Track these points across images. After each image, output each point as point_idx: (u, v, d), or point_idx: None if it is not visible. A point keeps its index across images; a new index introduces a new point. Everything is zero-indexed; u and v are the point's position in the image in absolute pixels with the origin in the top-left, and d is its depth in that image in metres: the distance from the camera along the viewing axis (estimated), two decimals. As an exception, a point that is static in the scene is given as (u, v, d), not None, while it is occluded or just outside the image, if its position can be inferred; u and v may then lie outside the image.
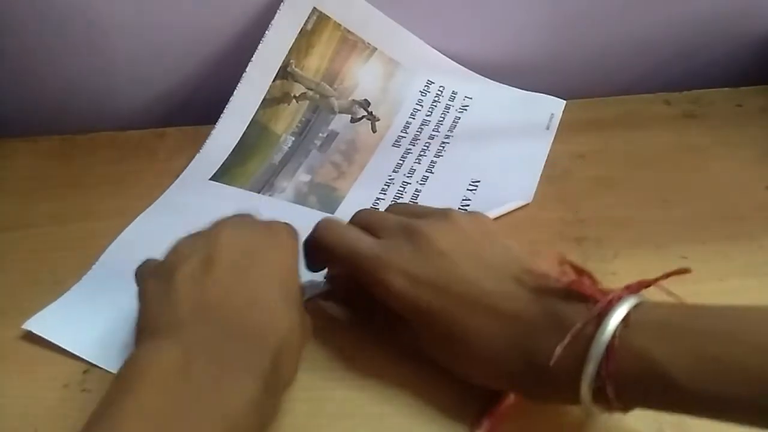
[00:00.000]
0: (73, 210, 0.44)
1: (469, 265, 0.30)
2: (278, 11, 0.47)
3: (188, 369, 0.25)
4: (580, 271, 0.28)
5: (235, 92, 0.47)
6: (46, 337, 0.35)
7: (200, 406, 0.24)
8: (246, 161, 0.47)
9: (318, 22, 0.48)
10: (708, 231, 0.40)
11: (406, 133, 0.49)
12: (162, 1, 0.47)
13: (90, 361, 0.35)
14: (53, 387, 0.34)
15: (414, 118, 0.50)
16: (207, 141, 0.48)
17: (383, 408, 0.32)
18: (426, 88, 0.51)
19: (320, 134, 0.49)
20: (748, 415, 0.24)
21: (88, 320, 0.36)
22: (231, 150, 0.47)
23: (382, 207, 0.44)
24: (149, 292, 0.30)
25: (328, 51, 0.49)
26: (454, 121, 0.49)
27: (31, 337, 0.36)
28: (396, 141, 0.48)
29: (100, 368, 0.34)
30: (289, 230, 0.33)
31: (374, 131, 0.49)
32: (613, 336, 0.25)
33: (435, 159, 0.47)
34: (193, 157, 0.47)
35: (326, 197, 0.45)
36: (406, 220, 0.32)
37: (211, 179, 0.46)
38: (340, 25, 0.49)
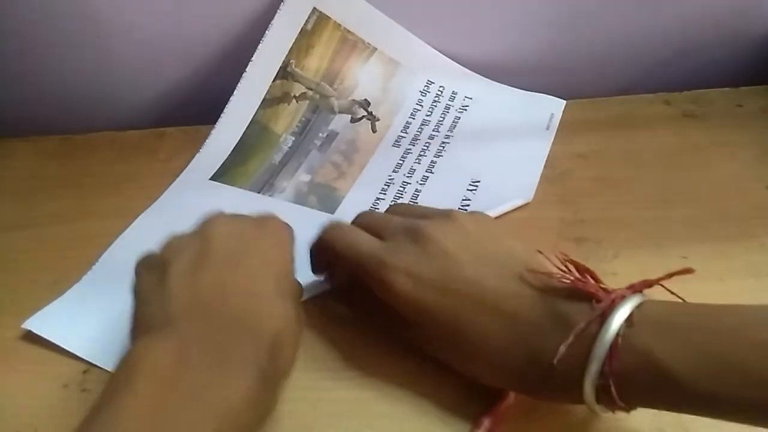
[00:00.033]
0: (73, 210, 0.44)
1: (472, 265, 0.30)
2: (278, 11, 0.47)
3: (184, 364, 0.25)
4: (583, 270, 0.28)
5: (235, 92, 0.47)
6: (46, 337, 0.36)
7: (197, 401, 0.24)
8: (246, 161, 0.47)
9: (318, 22, 0.48)
10: (708, 231, 0.40)
11: (406, 133, 0.49)
12: (162, 1, 0.47)
13: (90, 361, 0.35)
14: (53, 387, 0.34)
15: (414, 118, 0.50)
16: (207, 141, 0.48)
17: (384, 408, 0.32)
18: (426, 88, 0.51)
19: (320, 134, 0.49)
20: (750, 413, 0.24)
21: (88, 320, 0.36)
22: (231, 150, 0.47)
23: (382, 207, 0.44)
24: (143, 288, 0.30)
25: (328, 51, 0.49)
26: (454, 121, 0.49)
27: (31, 337, 0.36)
28: (396, 141, 0.48)
29: (100, 368, 0.34)
30: (281, 223, 0.33)
31: (374, 131, 0.49)
32: (617, 335, 0.25)
33: (435, 159, 0.47)
34: (193, 157, 0.47)
35: (326, 197, 0.45)
36: (410, 221, 0.32)
37: (211, 179, 0.46)
38: (340, 25, 0.49)
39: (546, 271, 0.29)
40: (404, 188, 0.45)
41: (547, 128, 0.48)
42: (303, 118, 0.49)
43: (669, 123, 0.48)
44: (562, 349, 0.26)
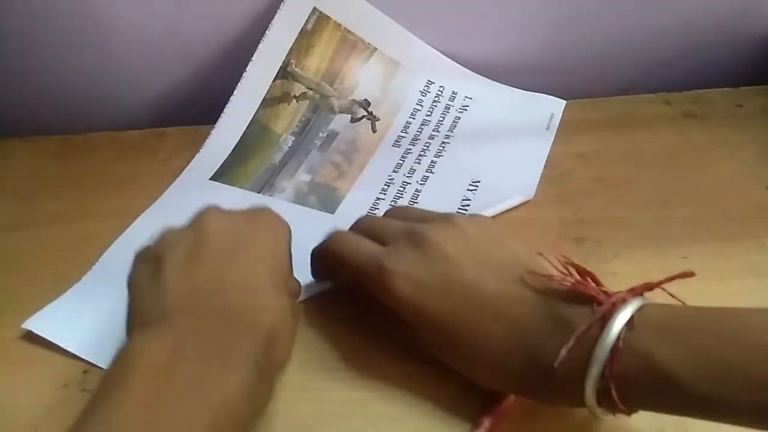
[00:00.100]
0: (73, 210, 0.44)
1: (473, 269, 0.30)
2: (278, 11, 0.47)
3: (179, 358, 0.25)
4: (584, 273, 0.28)
5: (235, 92, 0.47)
6: (45, 337, 0.36)
7: (192, 395, 0.24)
8: (246, 161, 0.47)
9: (318, 22, 0.48)
10: (708, 231, 0.40)
11: (406, 133, 0.49)
12: (162, 1, 0.47)
13: (90, 361, 0.35)
14: (53, 387, 0.34)
15: (414, 118, 0.50)
16: (207, 141, 0.48)
17: (384, 408, 0.32)
18: (426, 88, 0.51)
19: (320, 134, 0.49)
20: (751, 417, 0.24)
21: (88, 320, 0.36)
22: (231, 150, 0.47)
23: (383, 207, 0.44)
24: (138, 280, 0.30)
25: (328, 51, 0.49)
26: (454, 121, 0.49)
27: (31, 337, 0.36)
28: (396, 141, 0.48)
29: (100, 368, 0.34)
30: (275, 215, 0.33)
31: (374, 131, 0.49)
32: (618, 338, 0.25)
33: (435, 159, 0.47)
34: (193, 157, 0.47)
35: (326, 197, 0.45)
36: (410, 225, 0.33)
37: (211, 179, 0.46)
38: (340, 25, 0.49)
39: (546, 273, 0.29)
40: (404, 188, 0.45)
41: (547, 128, 0.48)
42: (303, 118, 0.49)
43: (669, 123, 0.48)
44: (563, 352, 0.26)
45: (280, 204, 0.45)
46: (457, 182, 0.44)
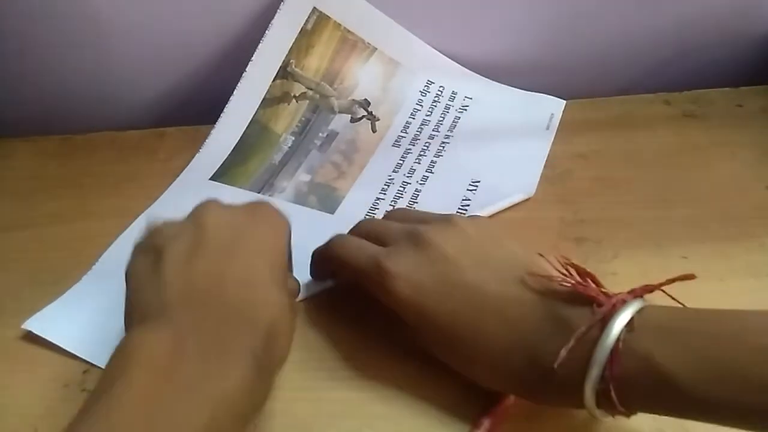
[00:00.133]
0: (73, 210, 0.44)
1: (473, 270, 0.30)
2: (278, 11, 0.47)
3: (179, 353, 0.25)
4: (584, 274, 0.28)
5: (235, 92, 0.47)
6: (46, 337, 0.36)
7: (192, 391, 0.24)
8: (246, 161, 0.47)
9: (318, 21, 0.48)
10: (708, 231, 0.40)
11: (406, 133, 0.49)
12: (162, 1, 0.47)
13: (90, 361, 0.35)
14: (53, 387, 0.34)
15: (414, 118, 0.50)
16: (207, 141, 0.48)
17: (384, 408, 0.32)
18: (426, 88, 0.51)
19: (320, 134, 0.49)
20: (750, 419, 0.24)
21: (89, 320, 0.36)
22: (231, 150, 0.47)
23: (383, 207, 0.44)
24: (137, 272, 0.30)
25: (328, 51, 0.49)
26: (454, 121, 0.49)
27: (31, 337, 0.36)
28: (396, 141, 0.48)
29: (100, 368, 0.34)
30: (274, 209, 0.33)
31: (374, 131, 0.49)
32: (618, 340, 0.25)
33: (435, 159, 0.47)
34: (193, 157, 0.47)
35: (326, 197, 0.45)
36: (410, 227, 0.33)
37: (211, 179, 0.46)
38: (340, 24, 0.49)
39: (547, 274, 0.29)
40: (404, 188, 0.45)
41: (547, 128, 0.48)
42: (303, 118, 0.49)
43: (669, 123, 0.48)
44: (563, 353, 0.26)
45: (279, 204, 0.44)
46: (457, 182, 0.44)
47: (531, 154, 0.46)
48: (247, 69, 0.47)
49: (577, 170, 0.45)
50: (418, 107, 0.50)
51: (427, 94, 0.51)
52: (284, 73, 0.48)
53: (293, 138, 0.49)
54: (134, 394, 0.23)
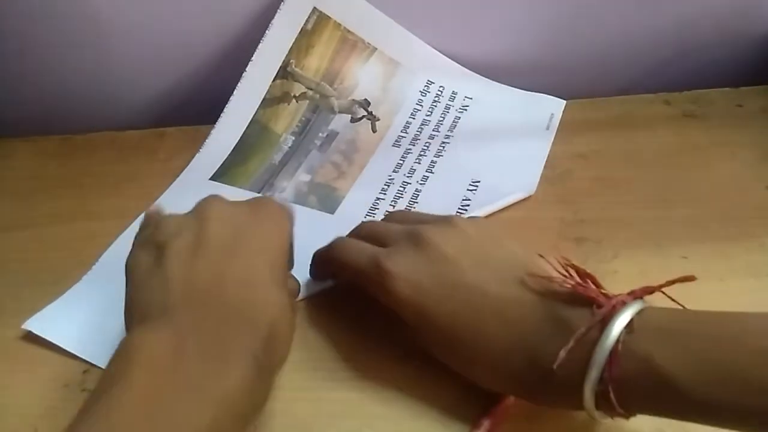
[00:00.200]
0: (73, 210, 0.44)
1: (473, 270, 0.30)
2: (278, 11, 0.47)
3: (180, 354, 0.25)
4: (584, 275, 0.28)
5: (235, 92, 0.47)
6: (46, 337, 0.36)
7: (193, 392, 0.24)
8: (246, 161, 0.47)
9: (318, 21, 0.48)
10: (708, 231, 0.40)
11: (406, 133, 0.49)
12: (162, 1, 0.47)
13: (90, 361, 0.35)
14: (53, 387, 0.34)
15: (414, 118, 0.50)
16: (207, 141, 0.48)
17: (384, 408, 0.32)
18: (426, 88, 0.51)
19: (320, 134, 0.49)
20: (750, 421, 0.24)
21: (88, 320, 0.36)
22: (231, 150, 0.47)
23: (382, 207, 0.44)
24: (138, 268, 0.30)
25: (328, 51, 0.49)
26: (454, 121, 0.49)
27: (32, 337, 0.36)
28: (396, 141, 0.48)
29: (100, 368, 0.34)
30: (278, 206, 0.33)
31: (374, 131, 0.49)
32: (617, 341, 0.25)
33: (435, 159, 0.47)
34: (193, 157, 0.47)
35: (326, 197, 0.45)
36: (410, 227, 0.33)
37: (211, 179, 0.46)
38: (340, 24, 0.49)
39: (547, 275, 0.29)
40: (404, 188, 0.45)
41: (547, 128, 0.48)
42: (303, 118, 0.49)
43: (669, 123, 0.48)
44: (562, 354, 0.26)
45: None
46: (457, 182, 0.44)
47: (531, 154, 0.46)
48: (247, 69, 0.47)
49: (577, 170, 0.45)
50: (418, 107, 0.50)
51: (427, 94, 0.51)
52: (284, 73, 0.48)
53: (293, 138, 0.49)
54: (135, 394, 0.23)
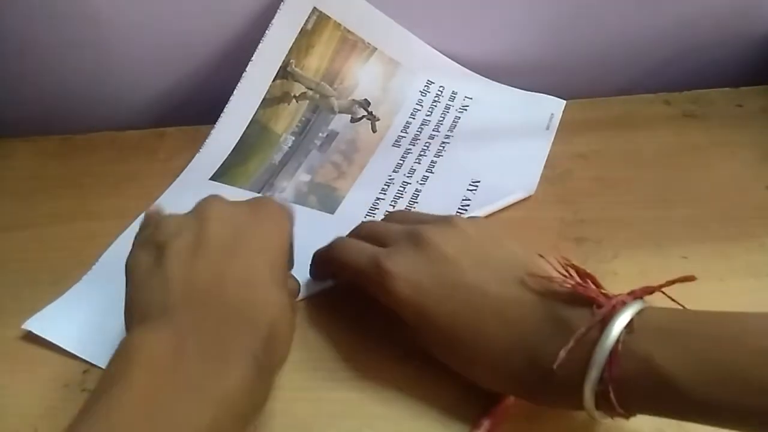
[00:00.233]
0: (73, 210, 0.44)
1: (473, 270, 0.30)
2: (278, 11, 0.47)
3: (179, 354, 0.25)
4: (584, 275, 0.28)
5: (235, 92, 0.47)
6: (46, 337, 0.36)
7: (193, 392, 0.24)
8: (246, 161, 0.47)
9: (318, 21, 0.48)
10: (708, 231, 0.40)
11: (406, 133, 0.49)
12: (162, 1, 0.47)
13: (90, 361, 0.35)
14: (53, 387, 0.34)
15: (414, 118, 0.50)
16: (207, 141, 0.48)
17: (383, 408, 0.32)
18: (426, 88, 0.51)
19: (320, 134, 0.49)
20: (750, 421, 0.24)
21: (88, 320, 0.36)
22: (231, 150, 0.47)
23: (383, 207, 0.44)
24: (138, 268, 0.30)
25: (328, 51, 0.49)
26: (454, 121, 0.49)
27: (32, 337, 0.36)
28: (396, 141, 0.48)
29: (100, 368, 0.34)
30: (278, 206, 0.33)
31: (374, 131, 0.49)
32: (617, 341, 0.25)
33: (435, 159, 0.47)
34: (193, 157, 0.47)
35: (326, 197, 0.45)
36: (410, 227, 0.33)
37: (211, 179, 0.46)
38: (340, 24, 0.49)
39: (547, 275, 0.29)
40: (404, 188, 0.45)
41: (547, 128, 0.48)
42: (303, 118, 0.49)
43: (669, 123, 0.48)
44: (562, 354, 0.26)
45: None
46: (457, 182, 0.44)
47: (531, 154, 0.46)
48: (247, 69, 0.47)
49: (577, 170, 0.45)
50: (418, 107, 0.50)
51: (427, 94, 0.51)
52: (284, 73, 0.48)
53: (293, 138, 0.49)
54: (135, 394, 0.23)
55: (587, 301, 0.27)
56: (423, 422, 0.31)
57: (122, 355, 0.25)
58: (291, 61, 0.48)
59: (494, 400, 0.31)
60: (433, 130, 0.49)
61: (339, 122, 0.49)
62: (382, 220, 0.39)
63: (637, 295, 0.27)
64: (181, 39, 0.49)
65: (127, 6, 0.47)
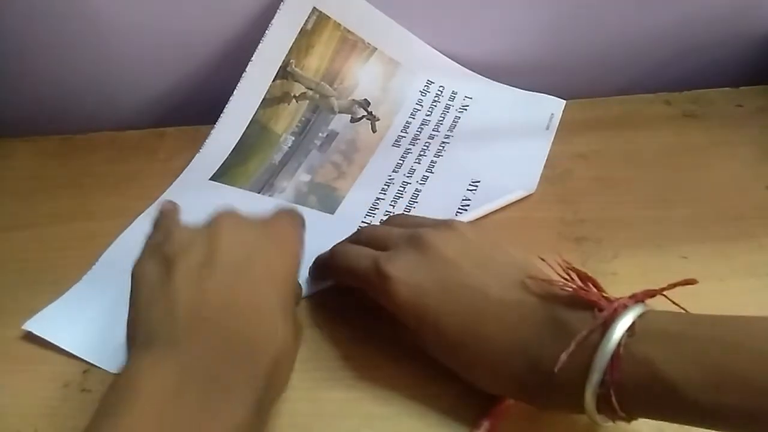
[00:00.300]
0: (73, 210, 0.44)
1: (474, 273, 0.30)
2: (278, 11, 0.47)
3: (182, 391, 0.25)
4: (585, 278, 0.28)
5: (235, 92, 0.47)
6: (46, 337, 0.36)
7: (192, 428, 0.24)
8: (246, 161, 0.47)
9: (318, 21, 0.48)
10: (708, 231, 0.40)
11: (406, 133, 0.49)
12: (162, 1, 0.47)
13: (90, 361, 0.35)
14: (53, 387, 0.34)
15: (414, 118, 0.50)
16: (207, 141, 0.48)
17: (383, 408, 0.32)
18: (426, 88, 0.51)
19: (320, 134, 0.49)
20: (752, 425, 0.23)
21: (88, 320, 0.36)
22: (231, 150, 0.47)
23: (383, 207, 0.44)
24: (145, 278, 0.29)
25: (328, 51, 0.49)
26: (454, 121, 0.49)
27: (32, 337, 0.36)
28: (396, 141, 0.48)
29: (100, 368, 0.34)
30: (291, 225, 0.33)
31: (374, 131, 0.49)
32: (619, 344, 0.25)
33: (435, 159, 0.47)
34: (193, 157, 0.47)
35: (326, 197, 0.45)
36: (410, 231, 0.33)
37: (211, 179, 0.46)
38: (340, 24, 0.49)
39: (547, 278, 0.29)
40: (404, 188, 0.45)
41: (547, 128, 0.48)
42: (303, 118, 0.49)
43: (669, 123, 0.48)
44: (563, 357, 0.26)
45: (280, 204, 0.45)
46: (457, 182, 0.44)
47: (531, 154, 0.46)
48: (247, 69, 0.47)
49: (577, 170, 0.45)
50: (418, 107, 0.50)
51: (427, 94, 0.51)
52: (284, 73, 0.48)
53: (293, 138, 0.49)
54: (137, 425, 0.23)
55: (588, 305, 0.27)
56: (423, 422, 0.31)
57: (124, 384, 0.25)
58: (291, 61, 0.48)
59: (494, 400, 0.31)
60: (433, 130, 0.49)
61: (339, 122, 0.49)
62: (381, 223, 0.39)
63: (638, 298, 0.27)
64: (181, 39, 0.49)
65: (127, 6, 0.47)
